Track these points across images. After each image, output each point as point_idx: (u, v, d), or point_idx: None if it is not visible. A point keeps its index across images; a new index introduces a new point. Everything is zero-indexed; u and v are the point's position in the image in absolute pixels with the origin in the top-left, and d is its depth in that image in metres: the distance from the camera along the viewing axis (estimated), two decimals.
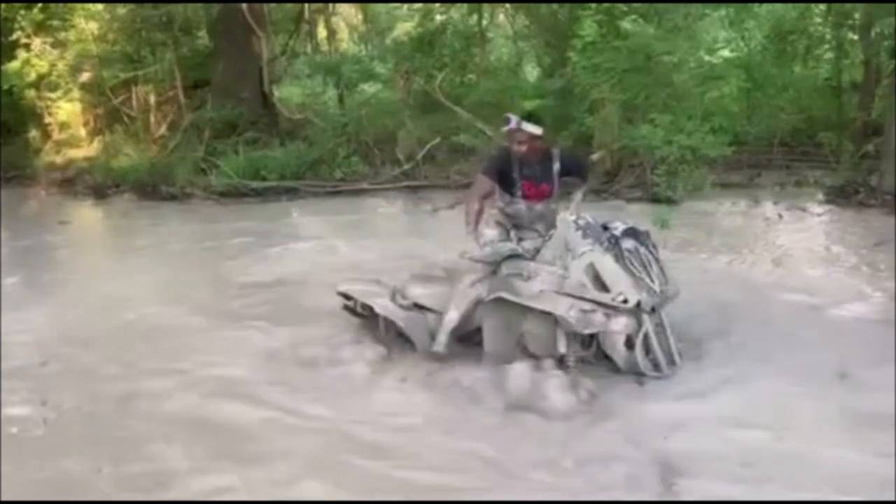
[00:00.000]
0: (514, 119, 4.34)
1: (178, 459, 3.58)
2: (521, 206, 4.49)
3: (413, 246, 7.42)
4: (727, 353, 4.38)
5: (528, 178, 4.42)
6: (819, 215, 8.23)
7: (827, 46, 11.49)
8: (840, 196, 8.62)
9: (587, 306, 3.96)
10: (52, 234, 9.24)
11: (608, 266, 4.00)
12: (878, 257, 6.43)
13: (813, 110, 11.29)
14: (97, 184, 11.74)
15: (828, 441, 3.48)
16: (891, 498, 3.05)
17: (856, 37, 10.89)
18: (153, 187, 11.11)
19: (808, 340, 4.59)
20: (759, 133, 10.60)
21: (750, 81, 10.39)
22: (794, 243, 7.07)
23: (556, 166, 4.46)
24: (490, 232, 4.48)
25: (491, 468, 3.42)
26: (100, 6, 13.35)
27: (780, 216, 8.08)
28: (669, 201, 8.72)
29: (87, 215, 10.71)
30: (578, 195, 4.54)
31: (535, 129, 4.34)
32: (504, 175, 4.42)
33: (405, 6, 14.38)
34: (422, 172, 10.81)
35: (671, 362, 4.15)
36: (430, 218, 9.12)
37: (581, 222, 4.17)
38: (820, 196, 8.85)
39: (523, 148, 4.34)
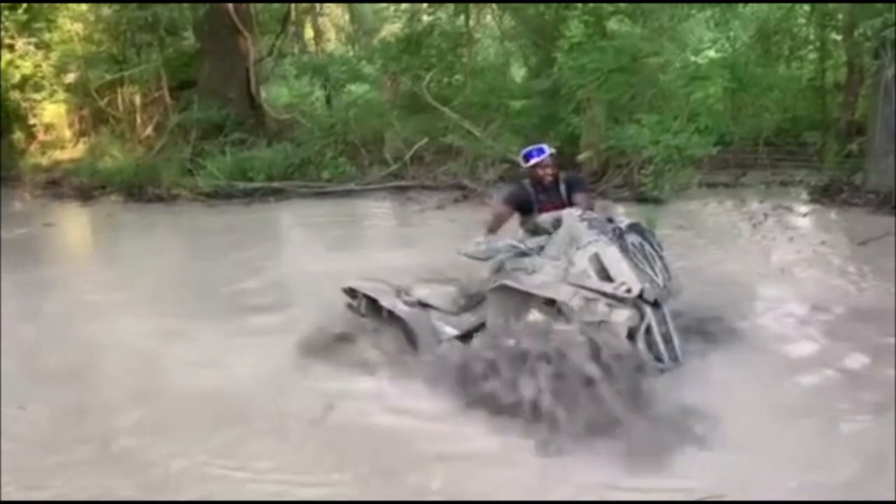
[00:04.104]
0: (546, 149, 4.83)
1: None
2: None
3: (403, 246, 7.44)
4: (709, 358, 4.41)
5: (543, 203, 4.78)
6: (804, 214, 8.30)
7: (811, 47, 11.57)
8: (824, 195, 8.70)
9: (590, 295, 3.96)
10: (38, 236, 9.18)
11: (612, 256, 4.01)
12: (862, 256, 6.49)
13: (797, 110, 11.39)
14: (83, 185, 11.68)
15: None
16: (891, 498, 3.07)
17: (839, 38, 10.99)
18: (139, 189, 11.07)
19: (795, 342, 4.65)
20: (744, 133, 10.67)
21: (735, 82, 10.45)
22: (779, 243, 7.13)
23: (563, 187, 4.86)
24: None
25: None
26: (84, 7, 13.28)
27: (766, 215, 8.14)
28: (656, 201, 8.78)
29: (72, 217, 10.64)
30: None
31: (553, 150, 4.87)
32: (523, 205, 4.86)
33: (392, 7, 14.35)
34: (409, 173, 10.82)
35: (673, 357, 4.10)
36: (418, 218, 9.13)
37: (586, 216, 4.24)
38: (805, 195, 8.92)
39: (554, 171, 4.82)
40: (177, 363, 4.76)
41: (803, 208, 8.48)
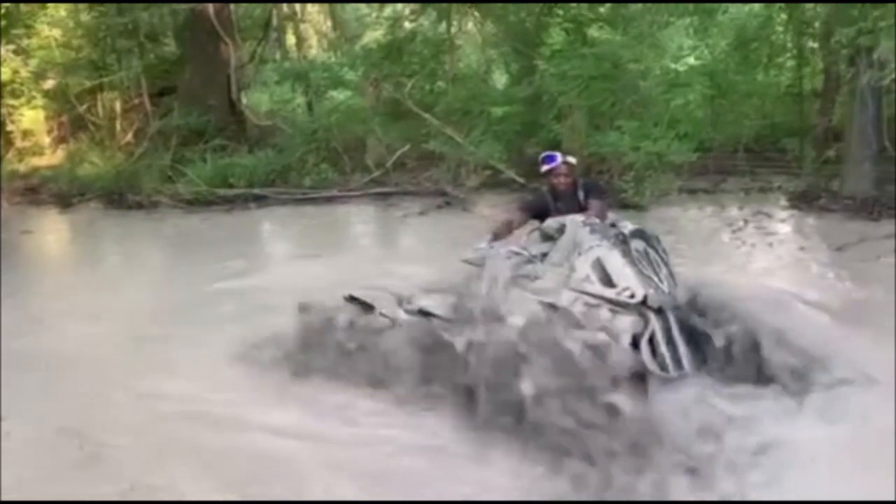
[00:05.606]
0: (558, 156, 4.93)
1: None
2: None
3: (386, 252, 7.44)
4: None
5: (561, 210, 4.80)
6: (783, 220, 8.37)
7: (788, 54, 11.70)
8: (802, 201, 8.78)
9: (593, 301, 3.87)
10: (15, 244, 9.07)
11: (615, 261, 3.92)
12: (840, 261, 6.56)
13: (776, 117, 11.50)
14: (62, 192, 11.57)
15: None
16: (891, 498, 3.07)
17: (816, 45, 11.12)
18: (119, 196, 10.98)
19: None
20: (723, 139, 10.78)
21: (714, 88, 10.54)
22: (759, 248, 7.19)
23: (581, 194, 4.95)
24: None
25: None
26: (63, 12, 13.18)
27: (746, 221, 8.20)
28: (637, 207, 8.82)
29: (51, 225, 10.53)
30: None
31: (572, 159, 4.99)
32: (540, 212, 4.91)
33: (374, 14, 14.35)
34: (392, 179, 10.82)
35: (679, 366, 3.86)
36: (400, 224, 9.13)
37: (588, 221, 4.26)
38: (783, 201, 9.00)
39: (569, 180, 4.92)
40: (136, 370, 4.69)
41: (782, 214, 8.56)
